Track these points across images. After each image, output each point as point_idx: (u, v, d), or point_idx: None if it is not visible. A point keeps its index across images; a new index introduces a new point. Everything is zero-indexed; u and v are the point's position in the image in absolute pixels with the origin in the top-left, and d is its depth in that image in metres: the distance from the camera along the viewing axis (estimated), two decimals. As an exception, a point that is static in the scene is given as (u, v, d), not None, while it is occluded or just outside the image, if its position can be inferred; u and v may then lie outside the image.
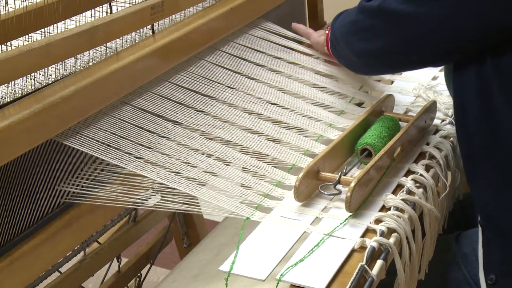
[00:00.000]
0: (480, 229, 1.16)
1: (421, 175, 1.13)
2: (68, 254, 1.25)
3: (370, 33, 1.14)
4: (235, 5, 1.35)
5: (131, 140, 1.07)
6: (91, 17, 1.13)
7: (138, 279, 1.63)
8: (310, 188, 1.08)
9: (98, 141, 1.04)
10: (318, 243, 0.97)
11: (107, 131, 1.06)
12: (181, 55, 1.22)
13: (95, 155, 1.02)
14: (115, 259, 1.51)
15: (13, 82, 0.98)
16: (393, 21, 1.08)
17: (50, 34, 1.02)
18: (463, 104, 1.09)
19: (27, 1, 0.98)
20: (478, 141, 1.09)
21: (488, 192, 1.11)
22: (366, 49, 1.16)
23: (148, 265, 1.63)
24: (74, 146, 1.01)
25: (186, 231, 1.76)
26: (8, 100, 0.97)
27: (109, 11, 1.15)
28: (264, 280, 0.91)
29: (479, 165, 1.10)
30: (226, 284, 0.91)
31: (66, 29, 1.05)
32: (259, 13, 1.46)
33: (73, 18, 1.07)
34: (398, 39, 1.10)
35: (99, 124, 1.07)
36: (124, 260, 1.56)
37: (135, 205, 1.04)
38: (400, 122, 1.24)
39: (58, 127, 0.97)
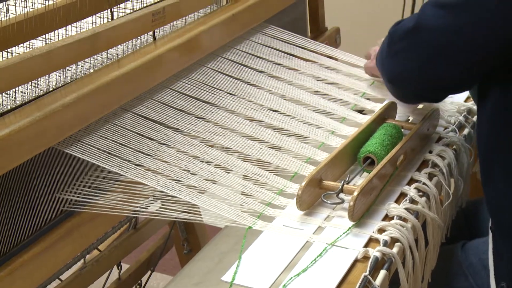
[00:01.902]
0: (490, 235, 1.15)
1: (424, 183, 1.13)
2: (68, 262, 1.25)
3: (406, 53, 1.12)
4: (236, 11, 1.34)
5: (131, 148, 1.07)
6: (93, 24, 1.12)
7: (138, 286, 1.63)
8: (313, 196, 1.07)
9: (99, 149, 1.03)
10: (321, 253, 0.96)
11: (107, 138, 1.06)
12: (182, 61, 1.22)
13: (96, 163, 1.01)
14: (115, 266, 1.50)
15: (14, 89, 0.98)
16: (432, 36, 1.07)
17: (52, 41, 1.02)
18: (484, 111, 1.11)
19: (28, 8, 0.98)
20: (494, 142, 1.09)
21: (502, 195, 1.10)
22: (400, 72, 1.15)
23: (149, 272, 1.62)
24: (74, 154, 1.00)
25: (186, 237, 1.76)
26: (9, 108, 0.97)
27: (110, 17, 1.14)
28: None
29: (495, 167, 1.10)
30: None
31: (67, 36, 1.04)
32: (261, 19, 1.45)
33: (74, 24, 1.06)
34: (434, 55, 1.08)
35: (99, 131, 1.06)
36: (124, 267, 1.55)
37: (135, 214, 1.04)
38: (402, 130, 1.23)
39: (59, 135, 0.96)
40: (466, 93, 1.43)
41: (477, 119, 1.17)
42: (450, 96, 1.27)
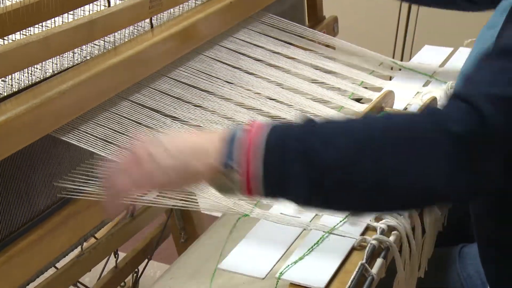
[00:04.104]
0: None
1: (421, 172, 1.12)
2: (65, 250, 1.24)
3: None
4: None
5: (128, 135, 1.06)
6: (89, 11, 1.11)
7: (135, 274, 1.63)
8: (310, 185, 1.07)
9: (96, 137, 1.03)
10: (318, 241, 0.96)
11: (104, 126, 1.05)
12: (179, 49, 1.21)
13: (93, 150, 1.01)
14: (112, 254, 1.50)
15: (10, 76, 0.97)
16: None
17: (48, 28, 1.01)
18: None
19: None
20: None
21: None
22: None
23: (146, 260, 1.62)
24: (71, 141, 1.00)
25: (183, 225, 1.75)
26: (5, 94, 0.96)
27: (107, 4, 1.14)
28: (263, 279, 0.90)
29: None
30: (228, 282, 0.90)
31: (64, 23, 1.04)
32: (258, 7, 1.44)
33: (71, 12, 1.05)
34: None
35: (96, 119, 1.05)
36: (121, 255, 1.55)
37: (132, 201, 1.03)
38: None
39: (55, 122, 0.96)
40: None
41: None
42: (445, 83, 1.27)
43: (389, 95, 1.30)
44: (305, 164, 0.77)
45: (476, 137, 0.77)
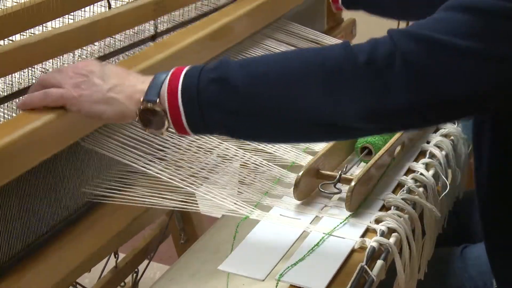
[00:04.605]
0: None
1: (421, 174, 1.13)
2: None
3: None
4: (260, 2, 1.31)
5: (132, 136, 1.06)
6: (92, 13, 1.11)
7: (135, 274, 1.63)
8: (310, 186, 1.07)
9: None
10: (318, 242, 0.96)
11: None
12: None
13: (102, 153, 1.00)
14: (112, 254, 1.50)
15: (10, 76, 0.97)
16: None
17: (50, 30, 1.01)
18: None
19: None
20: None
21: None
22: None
23: (146, 261, 1.62)
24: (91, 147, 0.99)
25: (183, 226, 1.75)
26: (5, 94, 0.96)
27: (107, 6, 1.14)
28: (263, 280, 0.90)
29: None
30: (227, 284, 0.90)
31: (66, 24, 1.04)
32: (282, 11, 1.42)
33: (72, 15, 1.06)
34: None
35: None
36: (121, 256, 1.55)
37: (136, 203, 1.03)
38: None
39: (85, 128, 0.95)
40: None
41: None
42: None
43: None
44: (219, 89, 0.83)
45: (382, 66, 0.80)
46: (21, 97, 0.96)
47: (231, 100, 0.84)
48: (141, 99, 0.86)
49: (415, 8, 1.27)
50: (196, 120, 0.85)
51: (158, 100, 0.85)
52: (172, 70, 0.87)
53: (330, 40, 1.48)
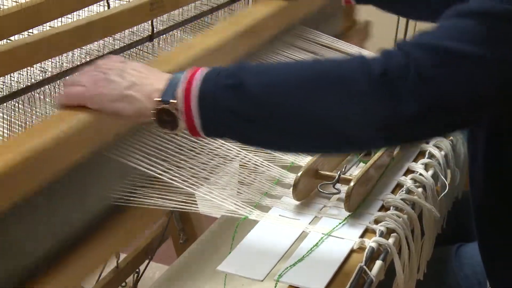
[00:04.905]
0: None
1: (420, 174, 1.13)
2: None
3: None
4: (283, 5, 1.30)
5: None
6: (91, 12, 1.11)
7: (136, 274, 1.63)
8: (309, 186, 1.07)
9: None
10: (317, 243, 0.96)
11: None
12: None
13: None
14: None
15: (8, 75, 0.97)
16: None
17: (48, 30, 1.01)
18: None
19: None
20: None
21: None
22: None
23: (146, 261, 1.62)
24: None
25: (182, 227, 1.75)
26: (4, 94, 0.96)
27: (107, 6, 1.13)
28: (262, 281, 0.90)
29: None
30: (226, 284, 0.90)
31: (63, 24, 1.04)
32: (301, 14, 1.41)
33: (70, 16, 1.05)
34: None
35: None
36: (122, 256, 1.55)
37: (131, 203, 1.03)
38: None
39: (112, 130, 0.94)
40: None
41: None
42: None
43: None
44: (235, 95, 0.83)
45: (394, 77, 0.79)
46: (20, 97, 0.96)
47: (246, 108, 0.83)
48: (158, 99, 0.86)
49: (424, 5, 1.27)
50: (210, 124, 0.85)
51: (173, 101, 0.85)
52: (188, 72, 0.87)
53: (347, 47, 1.47)
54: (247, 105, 0.83)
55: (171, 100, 0.85)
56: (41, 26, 1.00)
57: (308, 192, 1.07)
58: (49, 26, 1.02)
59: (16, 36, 0.96)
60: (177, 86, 0.85)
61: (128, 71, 0.89)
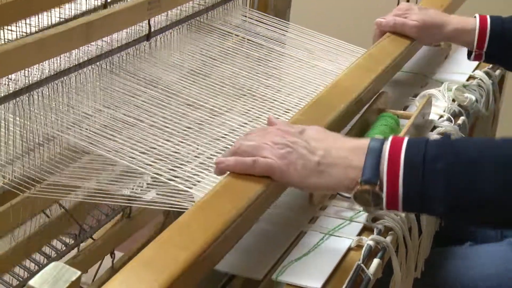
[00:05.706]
0: None
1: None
2: (62, 250, 1.25)
3: None
4: None
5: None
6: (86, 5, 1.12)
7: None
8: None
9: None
10: (318, 242, 0.96)
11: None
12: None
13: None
14: (108, 254, 1.50)
15: (6, 77, 0.97)
16: None
17: (44, 30, 1.01)
18: None
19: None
20: None
21: None
22: None
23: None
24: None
25: (180, 226, 1.75)
26: (2, 95, 0.97)
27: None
28: (261, 280, 0.90)
29: None
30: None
31: (60, 18, 1.04)
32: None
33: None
34: None
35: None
36: (118, 255, 1.55)
37: (130, 203, 1.03)
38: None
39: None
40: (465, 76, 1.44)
41: None
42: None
43: (384, 95, 1.29)
44: (446, 185, 0.81)
45: None
46: (18, 98, 0.97)
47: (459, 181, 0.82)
48: (358, 179, 0.85)
49: None
50: (413, 203, 0.85)
51: (378, 183, 0.84)
52: (388, 148, 0.85)
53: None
54: (460, 195, 0.82)
55: (375, 181, 0.84)
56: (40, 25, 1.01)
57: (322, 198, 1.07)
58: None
59: (14, 28, 0.96)
60: (379, 163, 0.84)
61: (312, 143, 0.89)
